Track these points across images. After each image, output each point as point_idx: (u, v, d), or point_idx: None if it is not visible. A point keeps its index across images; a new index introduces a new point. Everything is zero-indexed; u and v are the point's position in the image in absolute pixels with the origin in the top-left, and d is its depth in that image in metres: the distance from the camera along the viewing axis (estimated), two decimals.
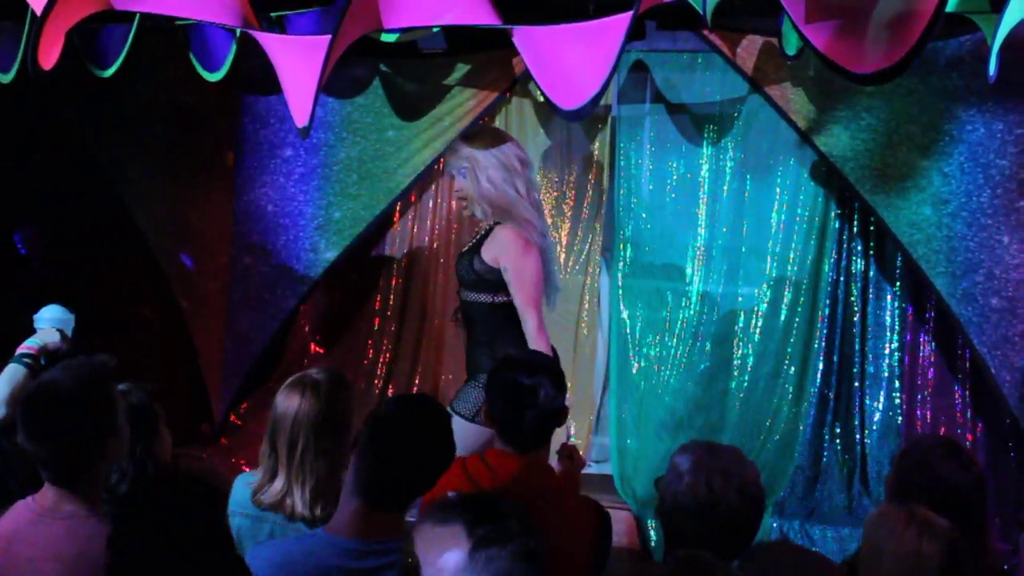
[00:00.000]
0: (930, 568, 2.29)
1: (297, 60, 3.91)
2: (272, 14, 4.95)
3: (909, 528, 2.33)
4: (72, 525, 2.52)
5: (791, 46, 4.43)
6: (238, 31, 4.75)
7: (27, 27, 4.19)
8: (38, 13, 3.70)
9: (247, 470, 3.17)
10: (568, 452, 3.35)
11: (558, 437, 5.58)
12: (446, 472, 2.93)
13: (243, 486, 2.98)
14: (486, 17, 3.67)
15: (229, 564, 2.07)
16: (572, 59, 3.52)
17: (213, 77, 5.16)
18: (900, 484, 2.87)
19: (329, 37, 3.51)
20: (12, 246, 5.88)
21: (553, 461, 3.41)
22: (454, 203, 4.45)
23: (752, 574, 2.14)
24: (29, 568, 2.48)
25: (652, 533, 5.15)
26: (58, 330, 3.55)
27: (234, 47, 5.01)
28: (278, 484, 2.86)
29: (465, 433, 3.79)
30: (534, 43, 3.68)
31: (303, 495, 2.84)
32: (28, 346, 3.48)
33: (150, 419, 3.18)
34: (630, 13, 3.22)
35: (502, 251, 3.97)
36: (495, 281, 3.98)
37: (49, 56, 3.85)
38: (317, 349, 6.24)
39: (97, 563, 2.31)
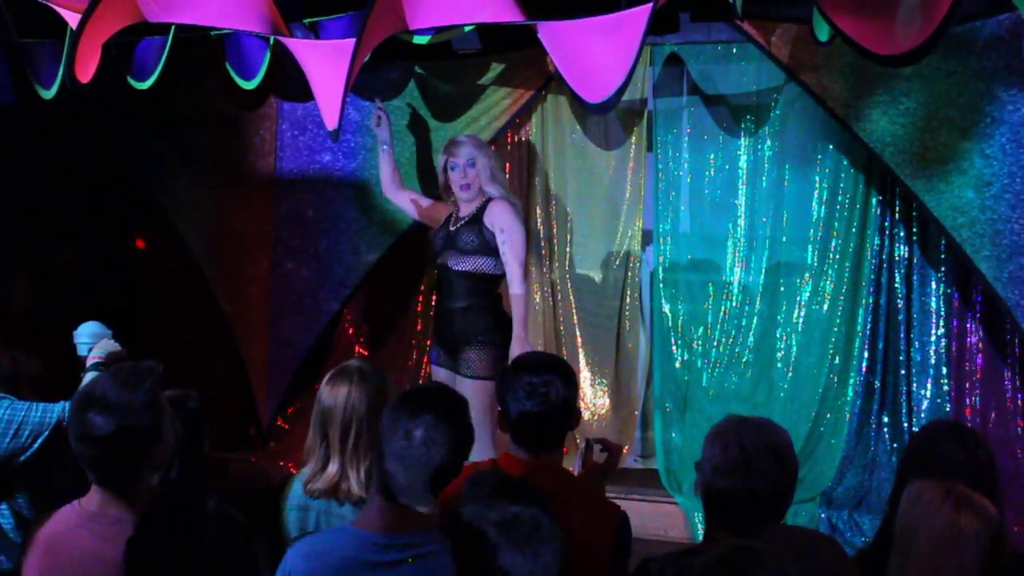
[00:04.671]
0: (968, 542, 2.26)
1: (325, 64, 3.95)
2: (306, 20, 5.01)
3: (946, 503, 2.30)
4: (118, 529, 2.51)
5: (823, 32, 4.37)
6: (271, 39, 4.81)
7: (66, 43, 4.29)
8: (74, 28, 3.79)
9: (294, 472, 3.21)
10: (600, 447, 3.23)
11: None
12: (458, 476, 2.93)
13: (298, 482, 3.03)
14: (510, 15, 3.68)
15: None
16: (596, 52, 3.51)
17: (248, 85, 5.24)
18: (908, 466, 2.86)
19: (355, 40, 3.54)
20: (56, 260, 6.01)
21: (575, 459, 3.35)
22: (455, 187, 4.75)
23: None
24: (75, 571, 2.51)
25: (699, 526, 5.11)
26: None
27: (268, 55, 5.08)
28: (332, 469, 2.91)
29: (492, 392, 4.33)
30: (559, 38, 3.68)
31: (359, 477, 2.89)
32: (97, 356, 3.60)
33: (202, 424, 3.36)
34: (650, 5, 3.21)
35: (500, 219, 4.65)
36: (496, 248, 4.64)
37: (86, 70, 3.94)
38: (361, 351, 6.27)
39: None
